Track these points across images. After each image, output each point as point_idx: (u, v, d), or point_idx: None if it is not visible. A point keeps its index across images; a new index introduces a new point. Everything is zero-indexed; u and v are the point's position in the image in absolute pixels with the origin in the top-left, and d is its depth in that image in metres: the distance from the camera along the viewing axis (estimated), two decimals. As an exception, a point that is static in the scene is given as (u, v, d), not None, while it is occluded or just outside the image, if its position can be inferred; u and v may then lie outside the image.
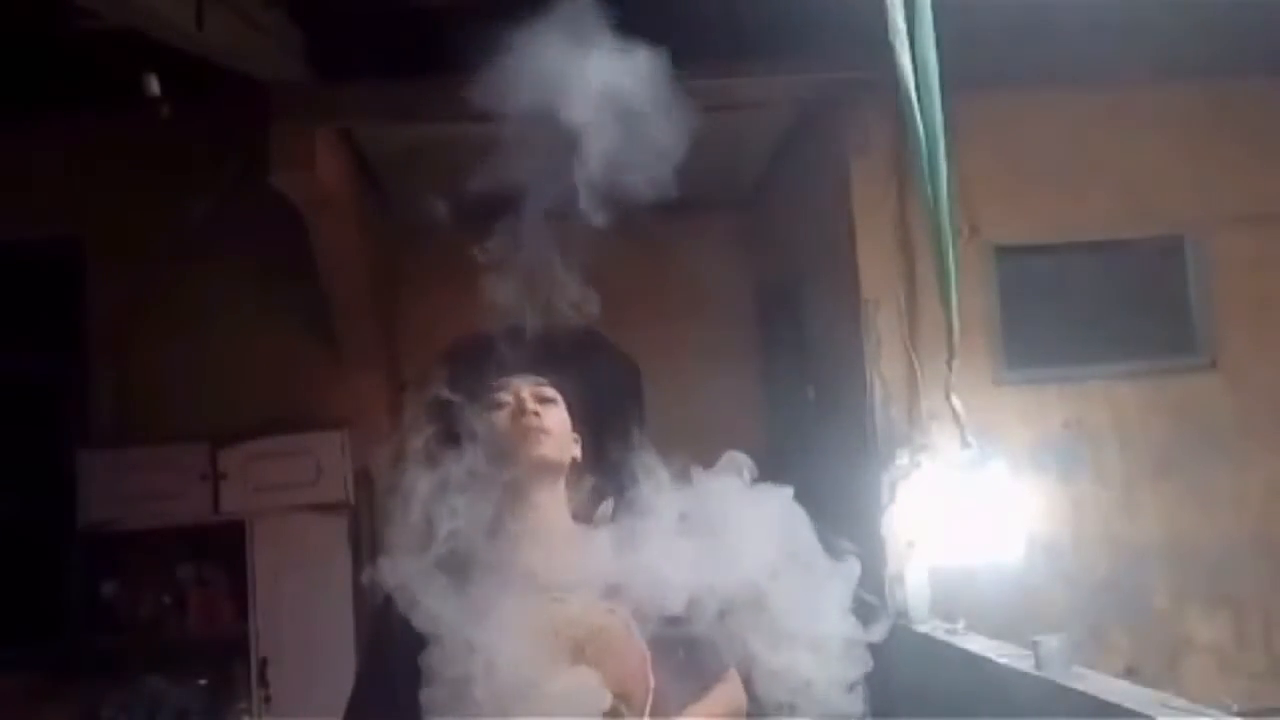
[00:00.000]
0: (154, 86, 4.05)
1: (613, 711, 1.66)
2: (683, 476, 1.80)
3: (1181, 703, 2.57)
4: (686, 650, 1.75)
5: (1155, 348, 4.61)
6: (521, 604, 1.69)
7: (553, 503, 1.87)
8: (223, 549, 4.90)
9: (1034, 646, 3.06)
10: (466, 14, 3.90)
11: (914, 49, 2.86)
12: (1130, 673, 4.04)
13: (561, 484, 1.90)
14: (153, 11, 3.22)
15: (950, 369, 3.09)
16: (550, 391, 1.93)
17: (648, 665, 1.71)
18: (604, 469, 1.93)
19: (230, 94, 4.11)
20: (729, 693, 1.80)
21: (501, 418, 1.85)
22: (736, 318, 5.97)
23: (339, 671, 4.82)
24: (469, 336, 1.98)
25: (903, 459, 4.14)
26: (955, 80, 2.96)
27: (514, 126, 1.91)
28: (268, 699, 4.81)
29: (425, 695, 1.63)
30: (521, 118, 1.89)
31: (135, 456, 4.86)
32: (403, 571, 1.72)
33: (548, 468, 1.86)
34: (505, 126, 1.91)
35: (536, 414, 1.86)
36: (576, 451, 1.93)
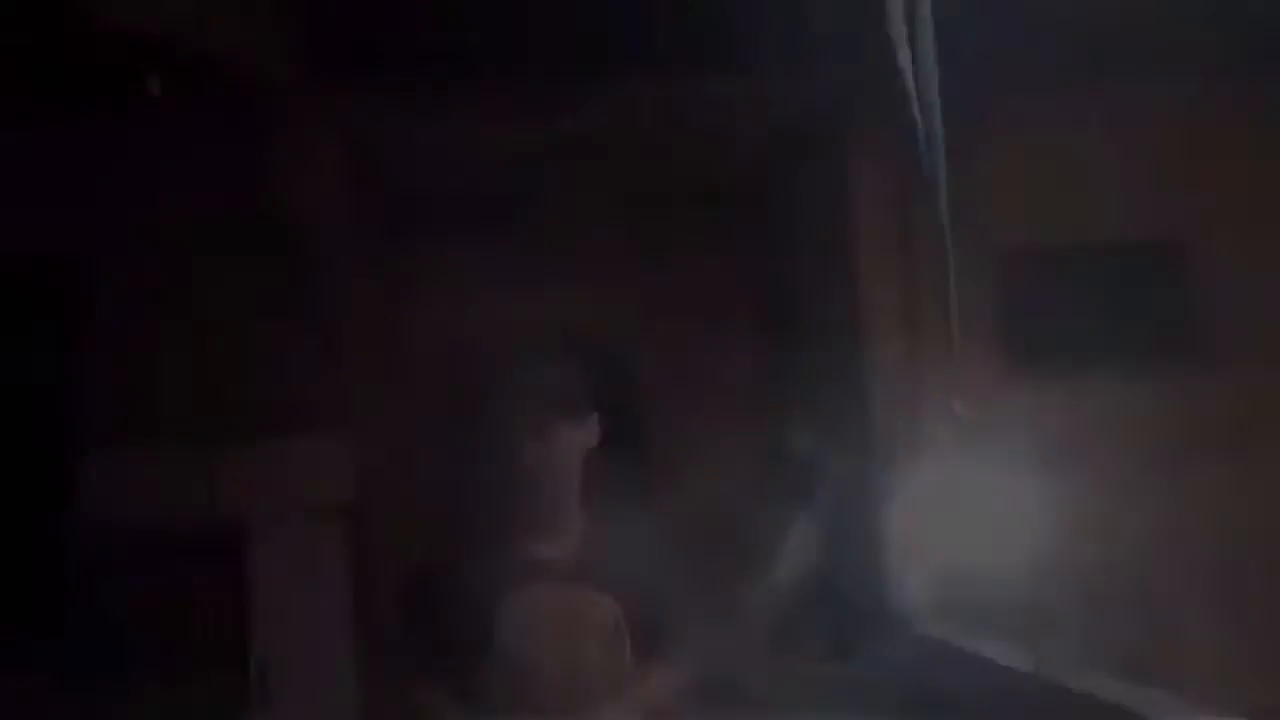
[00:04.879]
0: (155, 89, 4.04)
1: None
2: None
3: (1183, 704, 2.57)
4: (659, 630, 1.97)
5: (1157, 349, 4.61)
6: (538, 595, 1.90)
7: (564, 497, 1.98)
8: (223, 551, 4.88)
9: (1034, 647, 3.06)
10: (469, 16, 3.91)
11: (913, 47, 2.86)
12: (1131, 674, 4.04)
13: (573, 482, 1.98)
14: (154, 11, 3.22)
15: (952, 370, 3.09)
16: (578, 411, 1.96)
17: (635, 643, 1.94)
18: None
19: (231, 94, 4.11)
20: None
21: (522, 455, 1.92)
22: (738, 317, 5.95)
23: (340, 674, 4.82)
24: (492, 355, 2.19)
25: (905, 460, 4.14)
26: (956, 80, 2.95)
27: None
28: (267, 701, 4.80)
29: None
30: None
31: (135, 457, 4.86)
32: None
33: (553, 504, 1.96)
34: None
35: (549, 461, 1.93)
36: (594, 440, 2.00)
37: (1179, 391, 4.56)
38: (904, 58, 2.85)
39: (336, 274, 4.92)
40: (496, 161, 4.91)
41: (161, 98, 4.08)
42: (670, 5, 3.71)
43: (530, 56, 4.06)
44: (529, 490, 1.95)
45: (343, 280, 4.99)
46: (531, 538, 1.95)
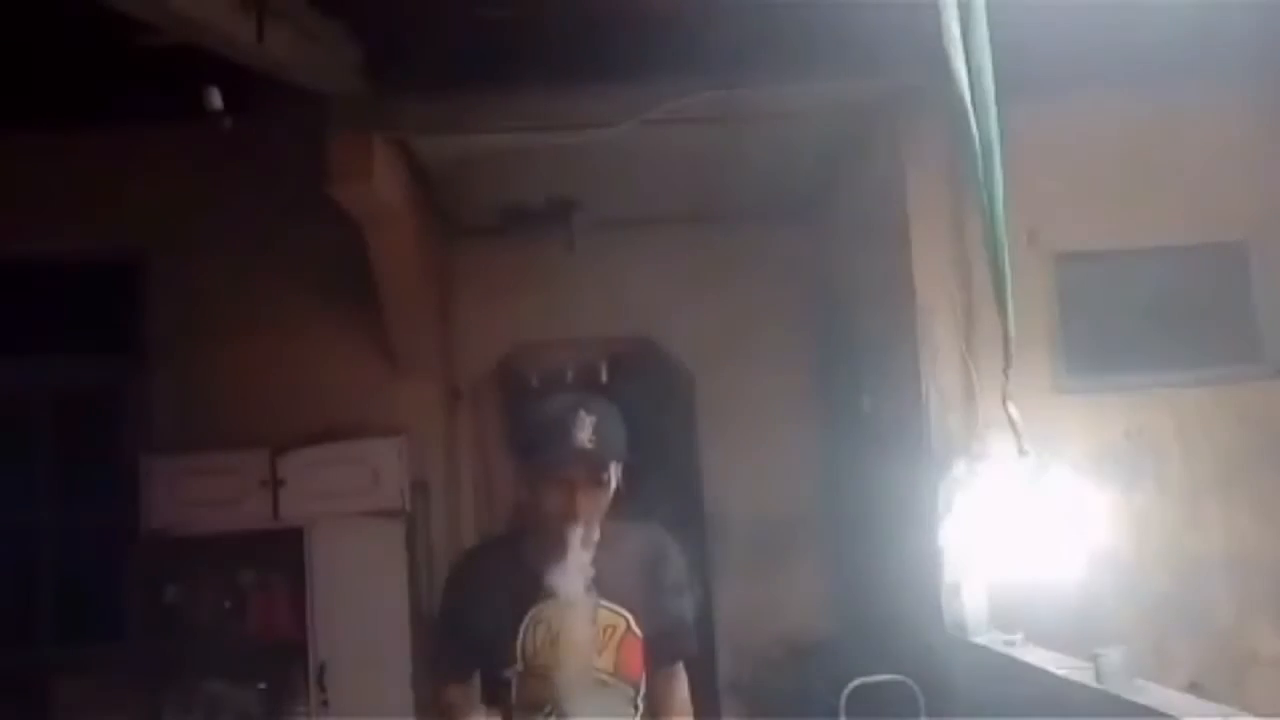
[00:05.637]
0: (215, 100, 4.11)
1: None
2: None
3: (1246, 718, 2.52)
4: (666, 641, 2.23)
5: (1219, 355, 4.53)
6: (558, 604, 2.14)
7: (586, 535, 2.16)
8: (282, 554, 4.95)
9: (1094, 659, 3.02)
10: (524, 26, 3.94)
11: (969, 55, 2.84)
12: (1194, 687, 3.96)
13: (593, 520, 2.16)
14: (214, 27, 3.27)
15: (1006, 377, 3.05)
16: (605, 475, 2.14)
17: (641, 653, 2.19)
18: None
19: (290, 106, 4.16)
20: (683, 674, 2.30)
21: (553, 504, 2.13)
22: (791, 326, 5.94)
23: (395, 675, 4.88)
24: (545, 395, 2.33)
25: (959, 468, 4.09)
26: (1012, 86, 2.92)
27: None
28: (325, 702, 4.86)
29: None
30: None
31: (196, 463, 4.94)
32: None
33: (581, 546, 2.14)
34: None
35: (582, 521, 2.13)
36: (615, 483, 2.18)
37: (1242, 395, 4.47)
38: (959, 64, 2.83)
39: (394, 281, 4.96)
40: (549, 169, 4.94)
41: (223, 111, 4.14)
42: (722, 16, 3.71)
43: (590, 65, 4.08)
44: (553, 527, 2.13)
45: (400, 288, 5.03)
46: (552, 560, 2.14)
